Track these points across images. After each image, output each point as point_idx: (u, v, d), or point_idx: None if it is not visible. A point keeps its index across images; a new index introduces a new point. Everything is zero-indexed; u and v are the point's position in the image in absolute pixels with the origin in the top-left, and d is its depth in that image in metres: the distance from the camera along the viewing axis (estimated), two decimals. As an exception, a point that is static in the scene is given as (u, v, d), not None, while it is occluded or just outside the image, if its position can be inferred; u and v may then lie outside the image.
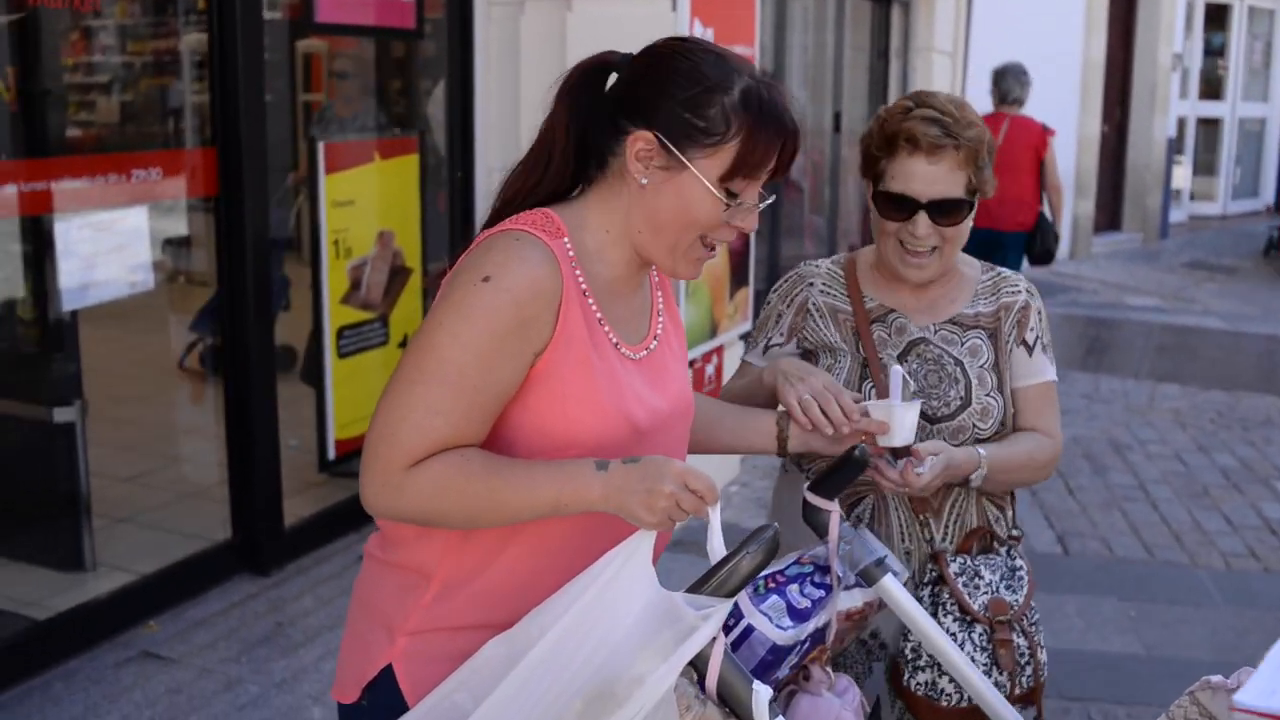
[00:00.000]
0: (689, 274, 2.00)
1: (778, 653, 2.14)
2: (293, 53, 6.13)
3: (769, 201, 1.98)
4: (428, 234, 5.66)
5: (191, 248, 5.42)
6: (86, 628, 4.26)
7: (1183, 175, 18.08)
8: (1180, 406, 8.53)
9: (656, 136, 1.87)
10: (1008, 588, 2.52)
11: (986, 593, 2.49)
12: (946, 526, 2.58)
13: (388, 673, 1.96)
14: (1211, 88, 19.25)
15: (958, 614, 2.46)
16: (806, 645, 2.20)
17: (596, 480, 1.80)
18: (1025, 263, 8.39)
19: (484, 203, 5.87)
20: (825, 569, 2.27)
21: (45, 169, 4.10)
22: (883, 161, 2.50)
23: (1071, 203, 10.89)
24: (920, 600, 2.42)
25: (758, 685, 1.76)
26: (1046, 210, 8.43)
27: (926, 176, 2.45)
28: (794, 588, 2.23)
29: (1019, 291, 2.65)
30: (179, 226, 5.33)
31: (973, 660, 2.37)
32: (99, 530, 4.74)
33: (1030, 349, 2.63)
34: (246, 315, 4.66)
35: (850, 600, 2.29)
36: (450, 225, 5.84)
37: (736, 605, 2.12)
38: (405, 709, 1.92)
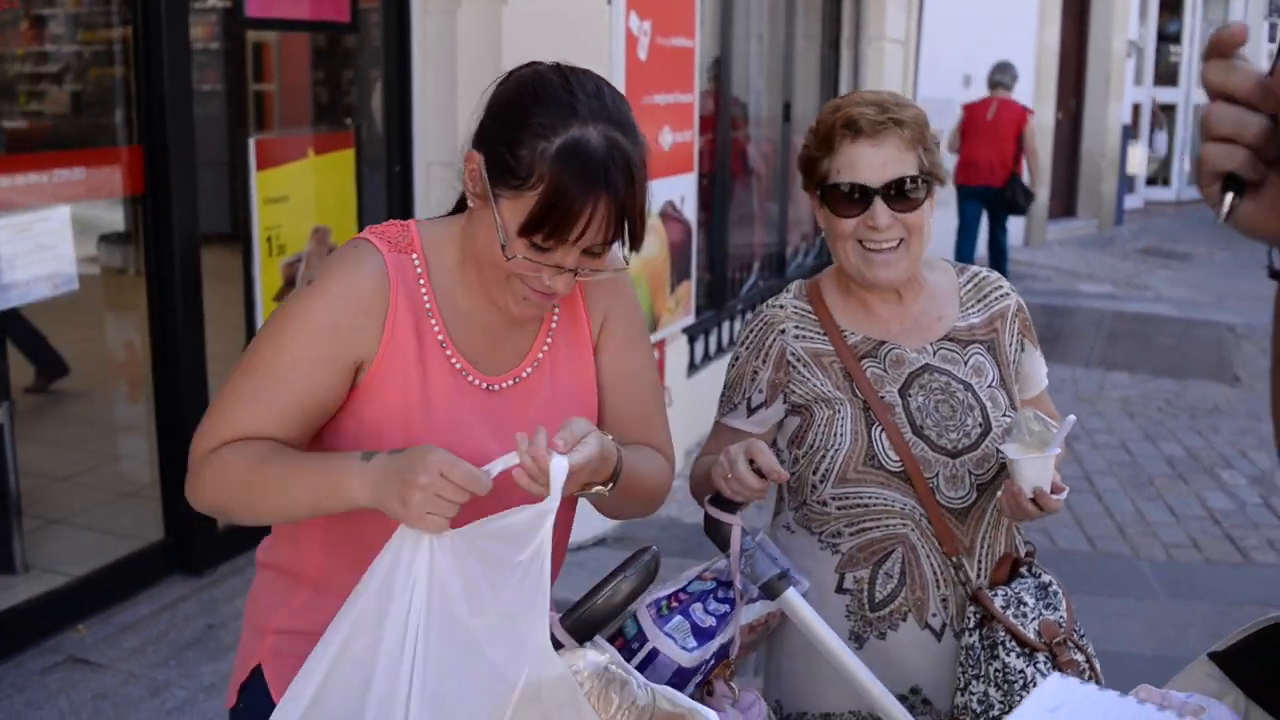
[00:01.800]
0: (519, 313, 1.87)
1: (683, 674, 2.11)
2: (233, 46, 6.05)
3: (589, 274, 1.83)
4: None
5: (123, 245, 5.34)
6: (13, 633, 4.20)
7: (1138, 160, 18.16)
8: (1129, 395, 8.57)
9: (480, 160, 1.81)
10: (1048, 606, 2.38)
11: (1034, 618, 2.33)
12: (980, 562, 2.42)
13: (258, 673, 1.95)
14: (1168, 74, 19.35)
15: (1018, 649, 2.29)
16: (711, 662, 2.18)
17: (357, 473, 1.71)
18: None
19: (422, 197, 5.83)
20: (728, 584, 2.24)
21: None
22: (824, 160, 2.33)
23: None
24: (972, 647, 2.31)
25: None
26: (1026, 176, 10.92)
27: (874, 160, 2.29)
28: (697, 606, 2.19)
29: (1006, 295, 2.51)
30: (107, 225, 5.26)
31: None
32: (30, 532, 4.67)
33: (1039, 349, 2.54)
34: (175, 313, 4.61)
35: (752, 613, 2.27)
36: (388, 219, 5.78)
37: (640, 629, 2.08)
38: (273, 708, 1.84)
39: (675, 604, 2.19)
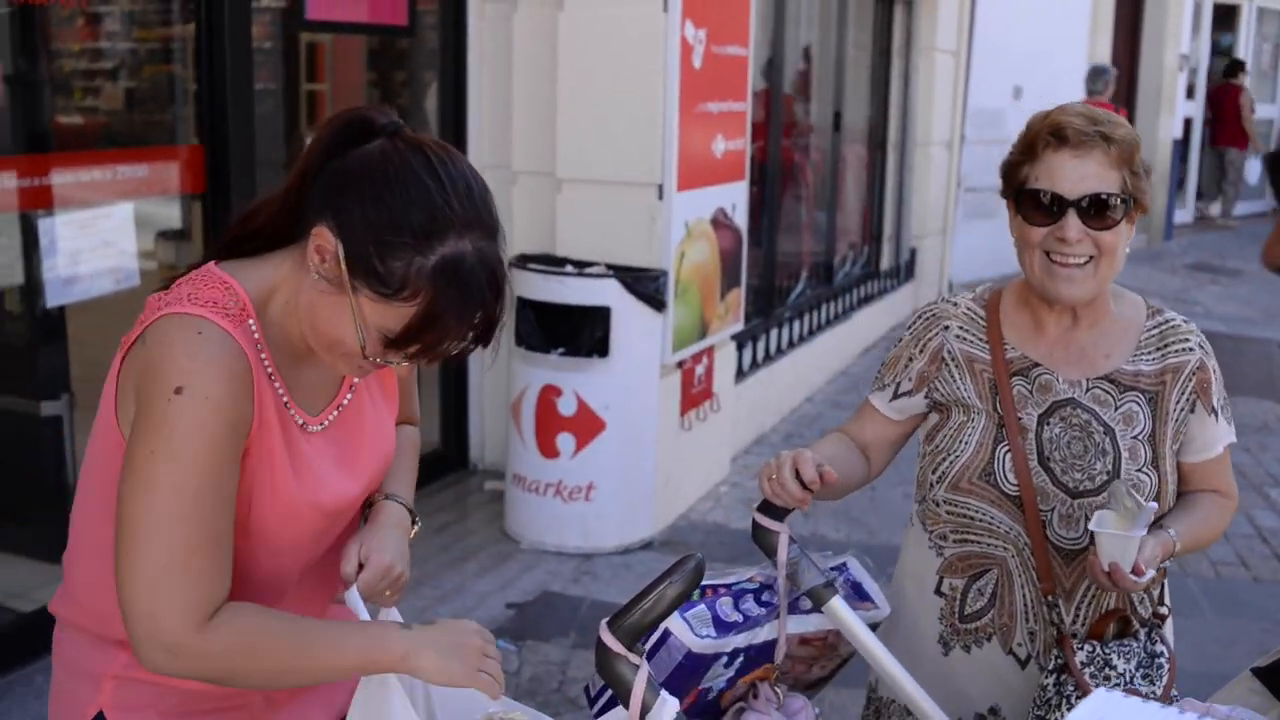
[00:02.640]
0: (352, 374, 1.84)
1: (696, 661, 2.13)
2: (289, 48, 6.13)
3: (426, 363, 1.80)
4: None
5: (182, 243, 5.42)
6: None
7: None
8: (1176, 411, 8.49)
9: (338, 246, 1.68)
10: (1144, 677, 2.27)
11: (1118, 684, 2.24)
12: (1078, 608, 2.36)
13: None
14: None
15: None
16: (742, 660, 2.21)
17: (405, 643, 1.74)
18: None
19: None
20: (773, 588, 2.28)
21: (33, 165, 4.11)
22: (1024, 166, 2.28)
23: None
24: (1044, 689, 2.27)
25: (665, 695, 1.75)
26: None
27: (1074, 172, 2.23)
28: (726, 600, 2.22)
29: (1190, 350, 2.37)
30: (170, 222, 5.33)
31: None
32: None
33: (1218, 416, 2.38)
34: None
35: (807, 624, 2.29)
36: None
37: None
38: None
39: (708, 594, 2.22)
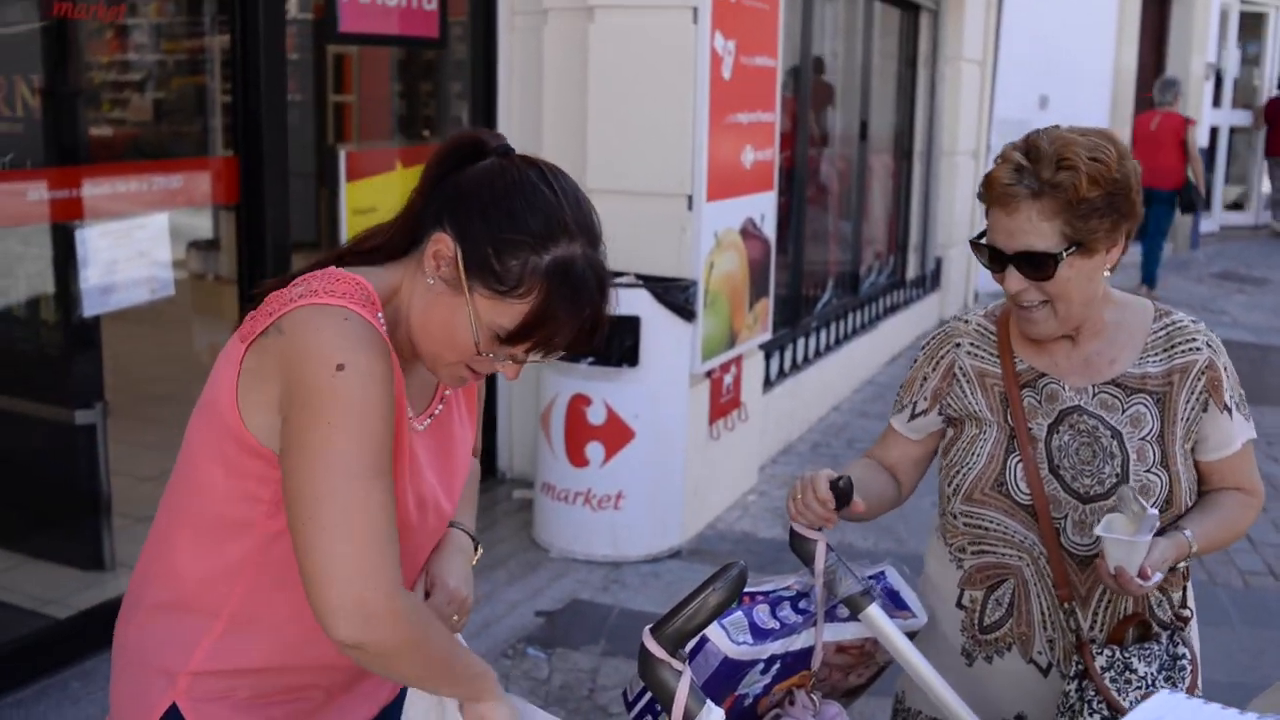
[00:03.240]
0: (450, 383, 1.90)
1: (732, 668, 2.14)
2: (319, 59, 6.17)
3: (539, 359, 1.85)
4: (453, 241, 5.68)
5: (213, 252, 5.47)
6: (105, 627, 4.22)
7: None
8: (1204, 421, 8.46)
9: (456, 249, 1.76)
10: (1167, 680, 2.28)
11: (1139, 688, 2.25)
12: (1095, 614, 2.37)
13: (173, 712, 1.85)
14: (1246, 96, 19.08)
15: (1105, 713, 2.23)
16: (778, 667, 2.23)
17: (496, 692, 1.87)
18: (1178, 213, 13.18)
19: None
20: (809, 595, 2.29)
21: (68, 177, 4.15)
22: (987, 210, 2.32)
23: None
24: (1067, 695, 2.29)
25: (710, 706, 1.77)
26: (1192, 176, 12.73)
27: (1005, 228, 2.25)
28: (763, 608, 2.24)
29: (1198, 349, 2.37)
30: (201, 232, 5.38)
31: None
32: (120, 530, 4.77)
33: (1232, 413, 2.37)
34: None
35: (844, 632, 2.31)
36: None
37: None
38: None
39: (746, 602, 2.23)
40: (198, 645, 1.84)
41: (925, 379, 2.50)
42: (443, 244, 1.76)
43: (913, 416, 2.53)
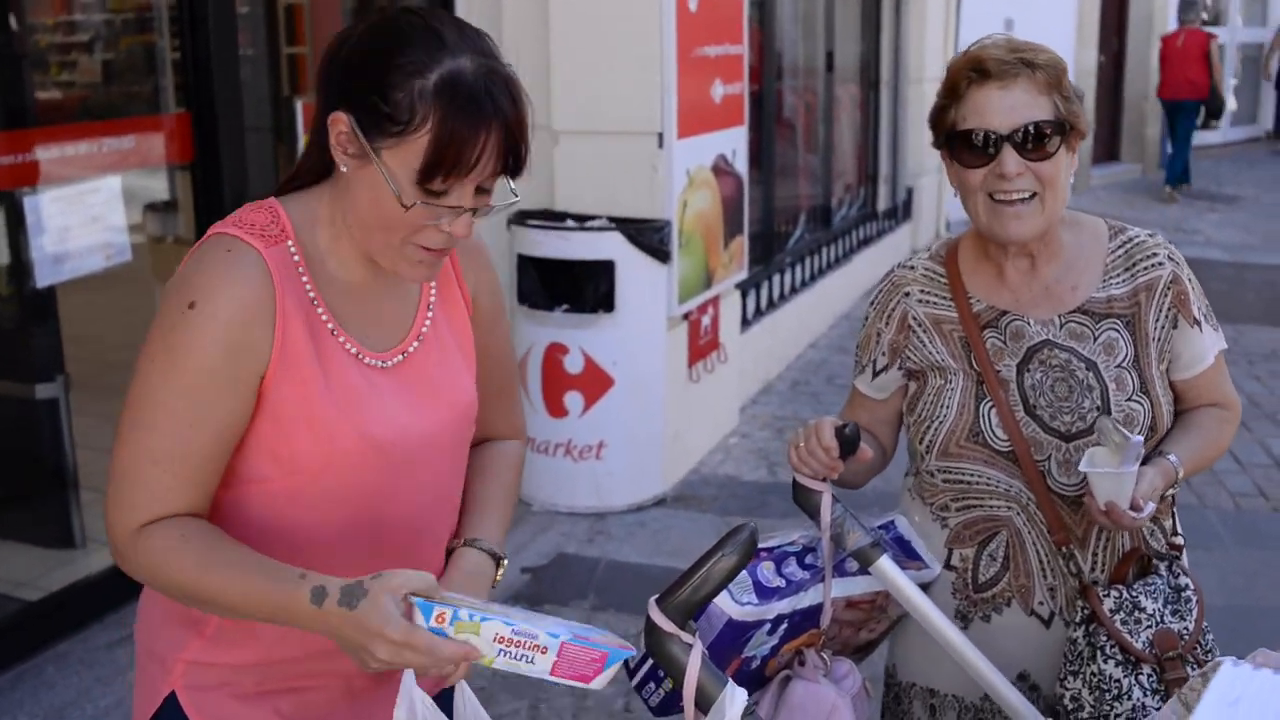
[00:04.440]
0: (413, 276, 1.78)
1: (737, 630, 2.05)
2: (269, 11, 5.99)
3: (486, 210, 1.75)
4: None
5: (171, 214, 5.31)
6: (78, 608, 4.19)
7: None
8: (1183, 341, 8.43)
9: (349, 118, 1.67)
10: (1174, 614, 2.19)
11: (1150, 626, 2.16)
12: (1095, 554, 2.27)
13: (171, 702, 1.83)
14: (1211, 14, 19.00)
15: (1120, 657, 2.14)
16: (786, 627, 2.13)
17: (307, 613, 1.62)
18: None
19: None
20: (815, 550, 2.19)
21: (14, 141, 3.99)
22: (951, 109, 2.19)
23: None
24: (1075, 641, 2.18)
25: (731, 687, 1.65)
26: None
27: (1001, 104, 2.13)
28: (768, 565, 2.14)
29: (1160, 264, 2.27)
30: (157, 193, 5.22)
31: (1144, 706, 2.11)
32: (88, 506, 4.66)
33: (1201, 325, 2.28)
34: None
35: (854, 587, 2.20)
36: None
37: None
38: None
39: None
40: (193, 633, 1.82)
41: (879, 335, 2.37)
42: (338, 122, 1.68)
43: (875, 375, 2.39)
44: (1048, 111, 2.15)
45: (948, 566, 2.35)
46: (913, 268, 2.38)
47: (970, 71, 2.17)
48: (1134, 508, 2.07)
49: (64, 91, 5.01)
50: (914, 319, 2.33)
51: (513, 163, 1.70)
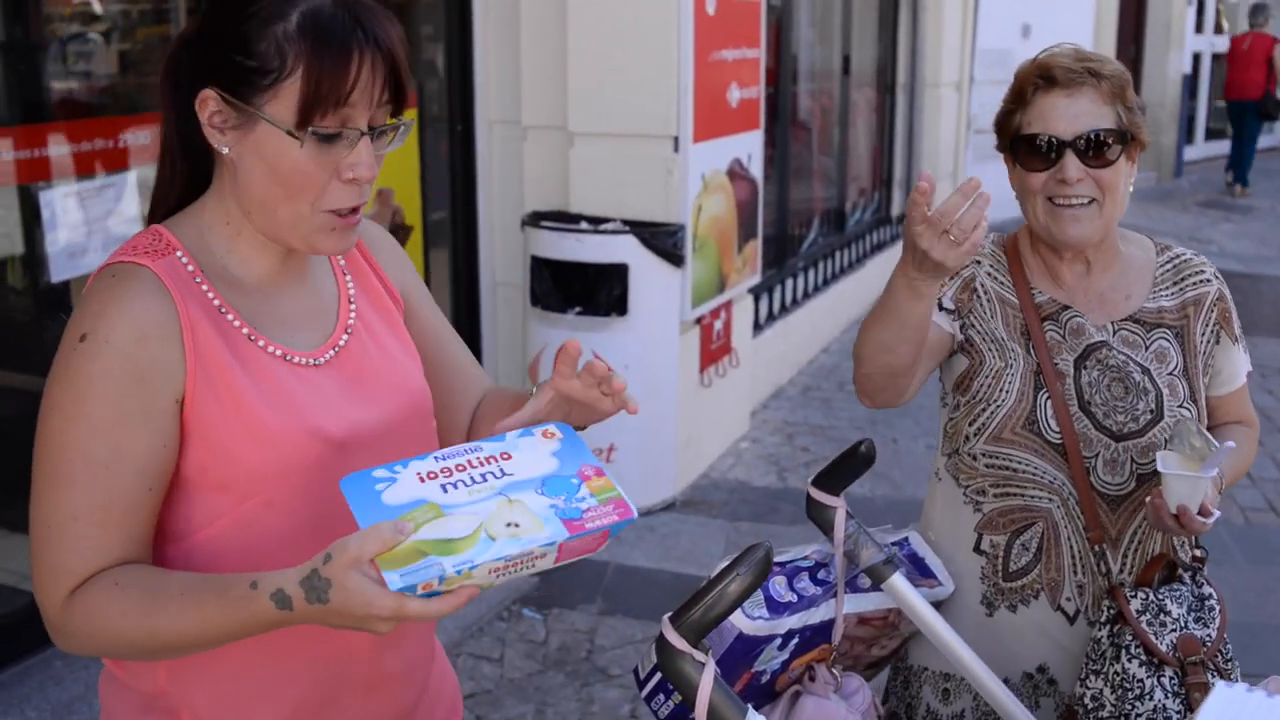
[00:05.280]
0: (333, 247, 1.66)
1: (748, 644, 2.05)
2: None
3: (384, 136, 1.64)
4: (428, 190, 5.55)
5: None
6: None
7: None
8: (1196, 352, 8.40)
9: (217, 91, 1.57)
10: (1197, 620, 2.22)
11: (1174, 630, 2.19)
12: (1125, 556, 2.29)
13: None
14: (1230, 23, 18.98)
15: (1143, 657, 2.17)
16: (796, 642, 2.12)
17: (286, 621, 1.46)
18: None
19: (484, 156, 5.76)
20: (828, 566, 2.18)
21: (30, 136, 3.99)
22: (1017, 114, 2.27)
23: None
24: (1099, 640, 2.21)
25: (751, 714, 1.64)
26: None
27: (1067, 111, 2.21)
28: (780, 580, 2.14)
29: (1208, 280, 2.36)
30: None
31: (1164, 708, 2.14)
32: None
33: (1240, 344, 2.38)
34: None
35: (867, 603, 2.19)
36: (451, 181, 5.73)
37: None
38: None
39: None
40: (170, 715, 1.69)
41: (945, 283, 2.34)
42: (205, 101, 1.58)
43: (939, 308, 2.34)
44: (1110, 120, 2.22)
45: (977, 551, 2.36)
46: (980, 245, 2.35)
47: (1038, 78, 2.25)
48: (1203, 513, 2.08)
49: (80, 83, 5.00)
50: (981, 286, 2.35)
51: (395, 91, 1.61)
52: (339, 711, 1.73)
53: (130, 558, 1.56)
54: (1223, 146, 18.81)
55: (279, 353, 1.66)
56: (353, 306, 1.79)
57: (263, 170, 1.59)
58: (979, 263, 2.37)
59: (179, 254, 1.61)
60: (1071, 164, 2.20)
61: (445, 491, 1.49)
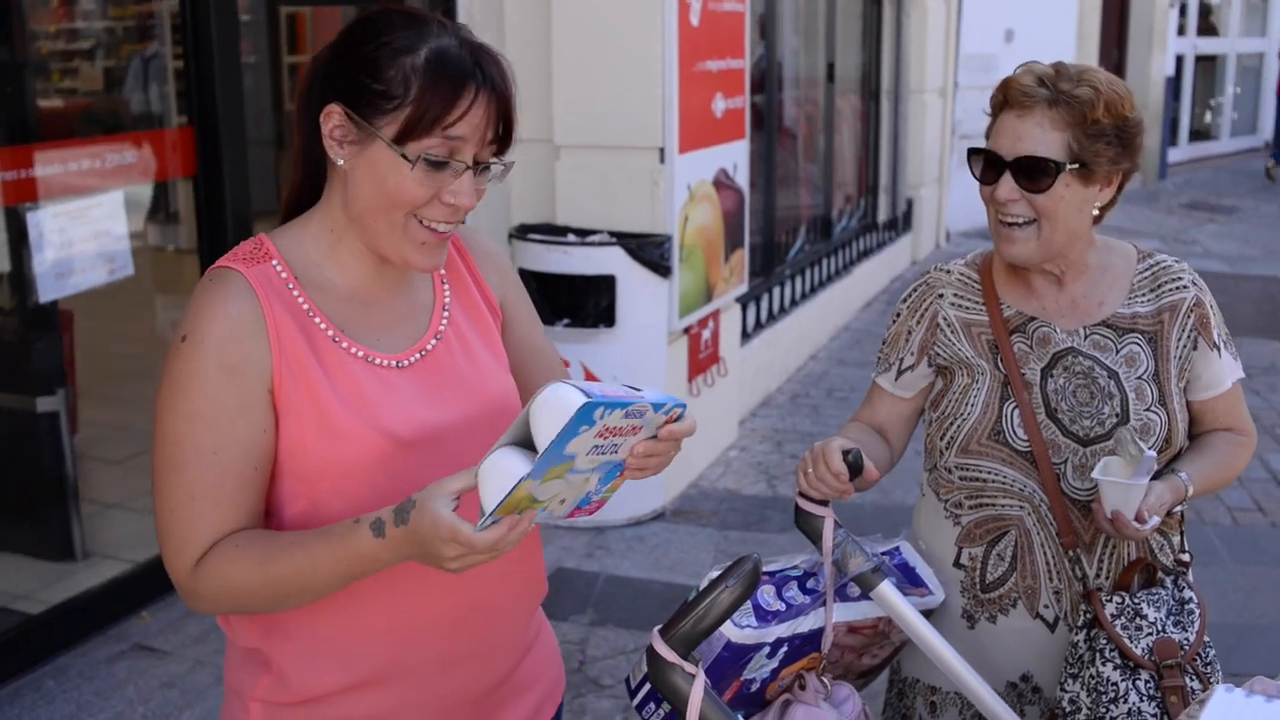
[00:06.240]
0: (422, 263, 1.79)
1: (736, 652, 2.06)
2: (271, 19, 6.00)
3: (488, 170, 1.78)
4: (415, 204, 5.55)
5: (173, 226, 5.32)
6: (78, 621, 4.20)
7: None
8: (1183, 354, 8.43)
9: (342, 108, 1.71)
10: (1176, 624, 2.24)
11: (1151, 634, 2.21)
12: (1100, 561, 2.32)
13: None
14: (1210, 23, 19.07)
15: (1118, 661, 2.19)
16: (785, 650, 2.13)
17: (376, 548, 1.62)
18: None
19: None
20: (816, 575, 2.19)
21: (16, 156, 4.00)
22: (990, 125, 2.30)
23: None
24: (1077, 645, 2.24)
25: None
26: None
27: (1013, 132, 2.21)
28: (769, 589, 2.15)
29: (1185, 287, 2.34)
30: (160, 204, 5.22)
31: (1139, 711, 2.16)
32: (88, 518, 4.67)
33: (1220, 351, 2.35)
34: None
35: (855, 612, 2.21)
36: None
37: None
38: None
39: None
40: (262, 670, 1.83)
41: (910, 333, 2.42)
42: (330, 115, 1.72)
43: (900, 374, 2.43)
44: (1056, 146, 2.19)
45: (957, 565, 2.39)
46: (949, 271, 2.44)
47: (999, 93, 2.26)
48: (1139, 519, 2.11)
49: (65, 100, 5.01)
50: (944, 319, 2.39)
51: (503, 131, 1.74)
52: (410, 683, 1.84)
53: (246, 528, 1.73)
54: (1206, 148, 18.96)
55: (361, 354, 1.79)
56: (445, 314, 1.91)
57: (371, 183, 1.72)
58: (941, 296, 2.40)
59: (274, 262, 1.76)
60: (1005, 184, 2.22)
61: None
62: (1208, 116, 19.32)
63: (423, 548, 1.58)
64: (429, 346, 1.86)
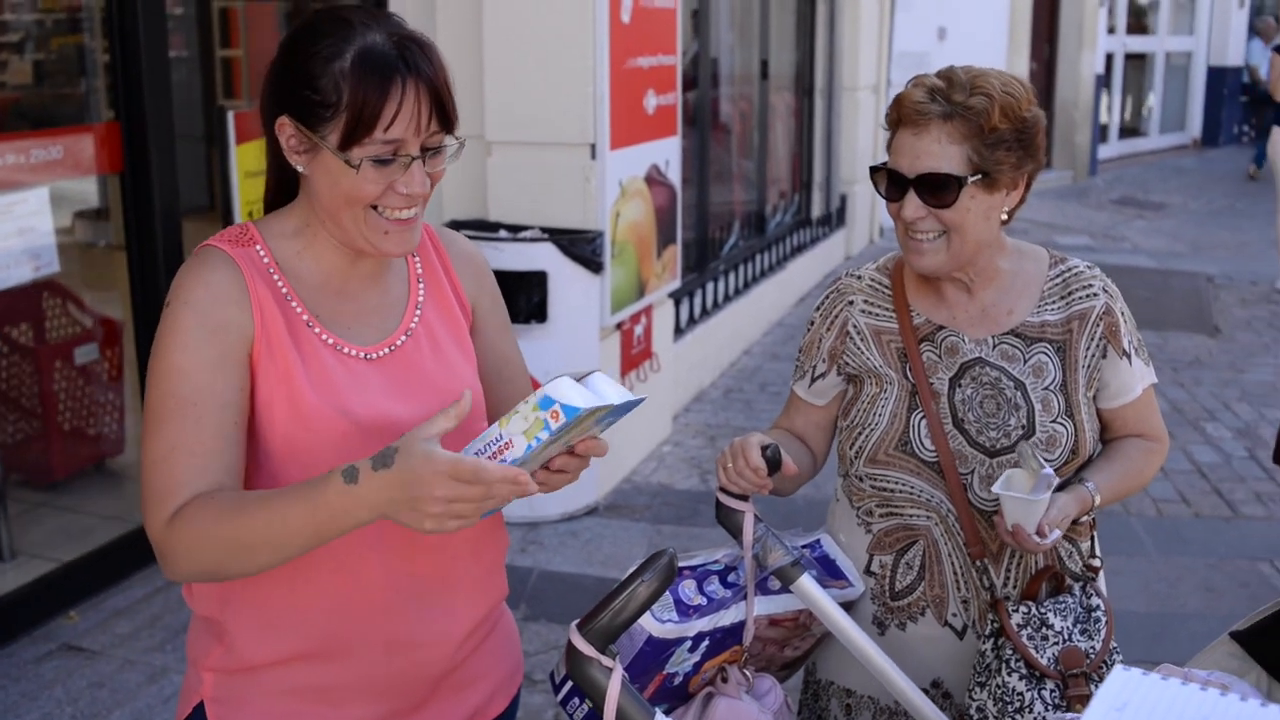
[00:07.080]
0: (393, 249, 1.84)
1: (658, 646, 2.08)
2: (202, 13, 5.94)
3: (441, 153, 1.83)
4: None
5: (102, 222, 5.27)
6: (4, 621, 4.15)
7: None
8: (1110, 348, 8.54)
9: (291, 120, 1.79)
10: (1083, 633, 2.27)
11: (1057, 643, 2.24)
12: (1008, 570, 2.33)
13: (199, 710, 1.91)
14: (1140, 22, 19.30)
15: (1024, 670, 2.21)
16: (707, 644, 2.16)
17: (348, 498, 1.60)
18: None
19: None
20: (741, 569, 2.22)
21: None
22: (892, 135, 2.28)
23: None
24: (983, 655, 2.25)
25: (660, 718, 1.69)
26: None
27: (911, 150, 2.20)
28: (689, 583, 2.17)
29: (1095, 294, 2.34)
30: (88, 200, 5.17)
31: None
32: (15, 518, 4.62)
33: (1131, 358, 2.35)
34: (158, 291, 4.54)
35: (775, 605, 2.24)
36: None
37: None
38: None
39: None
40: (214, 640, 1.89)
41: (821, 340, 2.43)
42: (283, 127, 1.80)
43: (813, 381, 2.44)
44: (956, 161, 2.18)
45: (868, 573, 2.40)
46: (859, 277, 2.44)
47: (894, 111, 2.25)
48: (1039, 533, 2.13)
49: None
50: (854, 327, 2.39)
51: (442, 116, 1.80)
52: (353, 661, 1.89)
53: (224, 486, 1.75)
54: (1135, 145, 19.20)
55: (331, 342, 1.85)
56: (418, 313, 1.97)
57: (328, 185, 1.80)
58: (851, 303, 2.40)
59: (258, 248, 1.85)
60: (911, 203, 2.21)
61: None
62: (1137, 112, 19.56)
63: (406, 491, 1.56)
64: (398, 342, 1.92)
